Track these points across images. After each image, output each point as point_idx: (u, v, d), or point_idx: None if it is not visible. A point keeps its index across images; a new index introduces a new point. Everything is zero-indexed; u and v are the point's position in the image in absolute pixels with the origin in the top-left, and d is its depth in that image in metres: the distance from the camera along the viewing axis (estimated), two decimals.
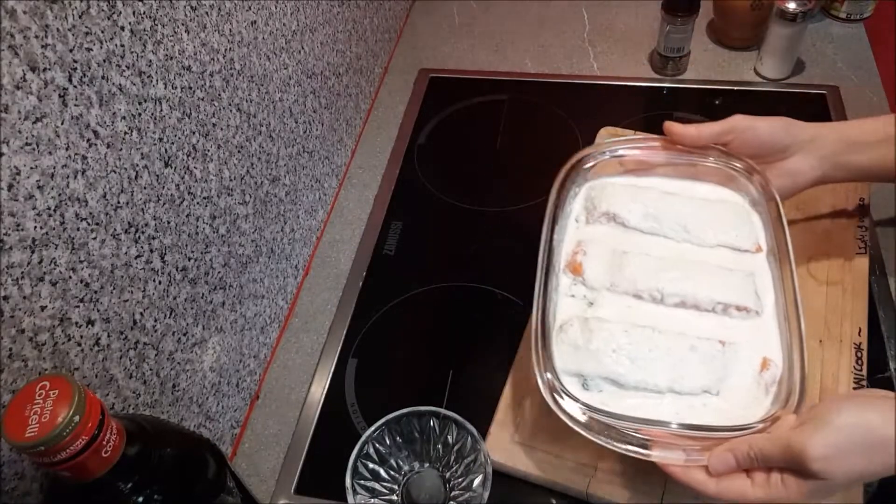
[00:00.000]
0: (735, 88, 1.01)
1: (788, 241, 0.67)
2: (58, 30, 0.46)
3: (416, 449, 0.66)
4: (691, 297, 0.68)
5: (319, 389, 0.76)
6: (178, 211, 0.60)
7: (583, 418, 0.59)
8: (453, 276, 0.84)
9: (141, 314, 0.56)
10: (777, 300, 0.66)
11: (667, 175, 0.77)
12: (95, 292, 0.51)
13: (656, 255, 0.71)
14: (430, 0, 1.22)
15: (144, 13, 0.54)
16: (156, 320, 0.59)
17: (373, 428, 0.63)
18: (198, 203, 0.63)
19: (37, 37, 0.44)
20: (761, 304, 0.67)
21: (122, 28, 0.52)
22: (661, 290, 0.68)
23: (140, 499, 0.42)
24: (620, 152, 0.77)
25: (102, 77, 0.50)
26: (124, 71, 0.52)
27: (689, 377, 0.63)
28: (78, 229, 0.49)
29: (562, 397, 0.60)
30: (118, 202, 0.53)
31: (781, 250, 0.67)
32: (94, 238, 0.50)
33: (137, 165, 0.55)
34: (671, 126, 0.73)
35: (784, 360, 0.62)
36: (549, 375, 0.61)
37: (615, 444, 0.58)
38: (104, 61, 0.50)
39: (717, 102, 1.00)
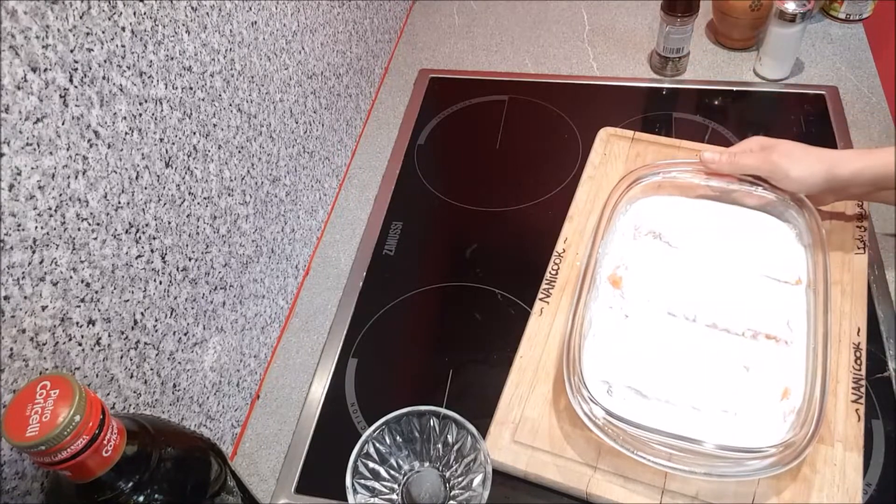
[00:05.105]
0: (734, 89, 1.01)
1: (829, 280, 0.69)
2: (59, 30, 0.46)
3: (417, 448, 0.66)
4: (723, 321, 0.70)
5: (320, 389, 0.76)
6: (178, 211, 0.61)
7: (603, 423, 0.61)
8: (453, 276, 0.84)
9: (142, 314, 0.57)
10: (808, 333, 0.68)
11: (717, 200, 0.80)
12: (96, 292, 0.51)
13: (696, 277, 0.73)
14: (430, 0, 1.22)
15: (145, 14, 0.54)
16: (156, 320, 0.59)
17: (373, 427, 0.63)
18: (198, 203, 0.64)
19: (38, 37, 0.44)
20: (792, 335, 0.68)
21: (123, 29, 0.52)
22: (695, 310, 0.71)
23: (140, 498, 0.42)
24: (673, 174, 0.80)
25: (103, 77, 0.50)
26: (125, 71, 0.52)
27: (710, 396, 0.65)
28: (79, 229, 0.49)
29: (586, 401, 0.63)
30: (119, 202, 0.53)
31: (820, 288, 0.69)
32: (95, 238, 0.51)
33: (138, 166, 0.55)
34: (702, 155, 0.77)
35: (805, 392, 0.63)
36: (576, 379, 0.63)
37: (631, 451, 0.61)
38: (105, 62, 0.50)
39: (716, 103, 1.00)
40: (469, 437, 0.63)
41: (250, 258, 0.74)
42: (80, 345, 0.50)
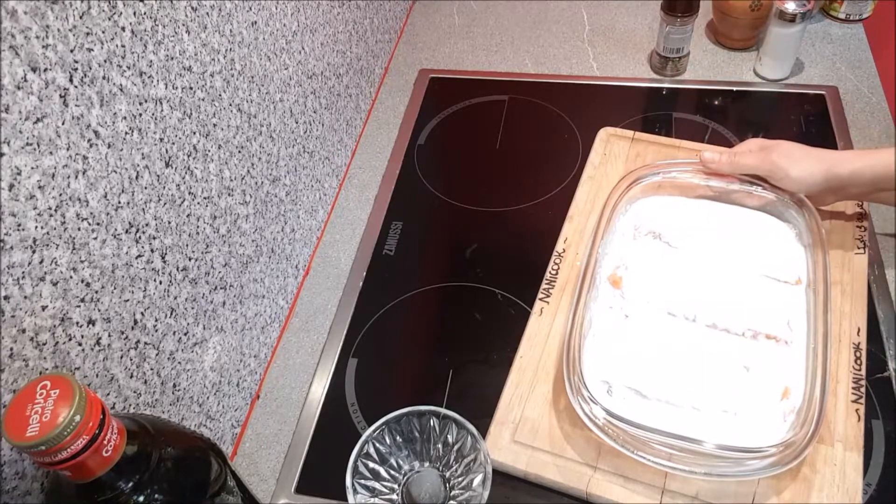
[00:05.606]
0: (734, 89, 1.01)
1: (829, 280, 0.69)
2: (59, 30, 0.46)
3: (417, 448, 0.66)
4: (723, 321, 0.70)
5: (320, 389, 0.76)
6: (178, 211, 0.61)
7: (603, 423, 0.61)
8: (453, 276, 0.84)
9: (142, 314, 0.57)
10: (808, 333, 0.68)
11: (717, 200, 0.80)
12: (96, 292, 0.51)
13: (696, 277, 0.73)
14: (430, 0, 1.22)
15: (145, 14, 0.54)
16: (156, 320, 0.59)
17: (373, 427, 0.63)
18: (198, 203, 0.64)
19: (38, 37, 0.44)
20: (792, 335, 0.68)
21: (123, 28, 0.52)
22: (695, 310, 0.71)
23: (141, 498, 0.42)
24: (673, 174, 0.80)
25: (103, 77, 0.50)
26: (125, 71, 0.52)
27: (710, 396, 0.65)
28: (79, 229, 0.49)
29: (586, 401, 0.63)
30: (119, 202, 0.53)
31: (820, 287, 0.69)
32: (95, 238, 0.51)
33: (138, 165, 0.55)
34: (702, 155, 0.78)
35: (805, 392, 0.63)
36: (576, 379, 0.63)
37: (631, 451, 0.61)
38: (105, 62, 0.50)
39: (716, 103, 1.00)
40: (469, 437, 0.63)
41: (250, 258, 0.74)
42: (80, 345, 0.50)
